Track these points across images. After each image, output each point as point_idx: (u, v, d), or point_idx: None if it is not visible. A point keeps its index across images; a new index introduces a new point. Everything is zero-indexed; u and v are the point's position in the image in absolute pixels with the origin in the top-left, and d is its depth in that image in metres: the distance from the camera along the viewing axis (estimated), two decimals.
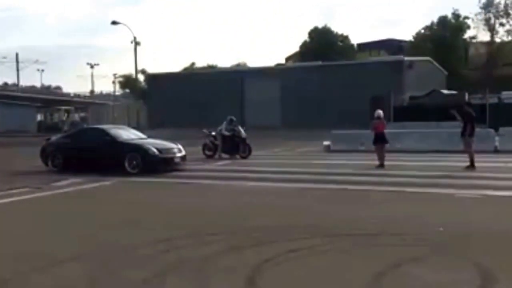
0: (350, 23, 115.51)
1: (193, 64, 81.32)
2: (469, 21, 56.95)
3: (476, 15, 55.93)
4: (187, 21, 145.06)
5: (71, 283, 5.44)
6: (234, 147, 19.70)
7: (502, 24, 55.49)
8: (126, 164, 15.16)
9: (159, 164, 15.42)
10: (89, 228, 8.05)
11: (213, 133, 20.30)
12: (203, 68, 73.51)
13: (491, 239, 6.76)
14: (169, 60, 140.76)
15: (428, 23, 59.35)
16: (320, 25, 63.92)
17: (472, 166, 14.53)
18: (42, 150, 17.07)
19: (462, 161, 16.75)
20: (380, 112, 16.32)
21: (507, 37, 55.47)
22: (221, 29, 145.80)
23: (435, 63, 48.08)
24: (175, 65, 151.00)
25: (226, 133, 19.89)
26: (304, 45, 63.49)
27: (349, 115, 35.92)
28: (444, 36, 55.30)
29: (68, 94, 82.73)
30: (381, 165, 15.55)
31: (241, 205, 9.99)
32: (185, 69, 74.39)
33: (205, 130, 20.91)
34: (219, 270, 5.70)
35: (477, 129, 23.67)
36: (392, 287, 5.15)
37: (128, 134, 17.08)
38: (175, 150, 16.05)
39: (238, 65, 77.02)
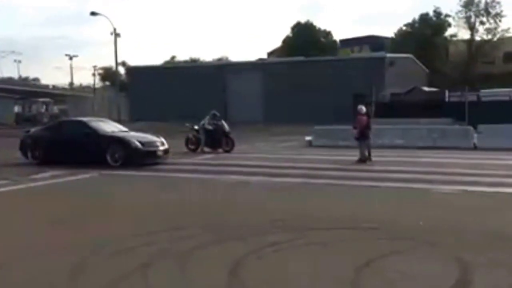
0: (333, 19, 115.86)
1: (174, 57, 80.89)
2: (450, 19, 57.57)
3: (456, 13, 56.62)
4: (169, 13, 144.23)
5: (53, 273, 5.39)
6: (217, 141, 19.73)
7: (482, 23, 56.19)
8: (108, 157, 15.07)
9: (142, 157, 15.31)
10: (60, 221, 8.00)
11: (196, 127, 20.28)
12: (185, 61, 73.14)
13: (470, 233, 6.85)
14: (150, 53, 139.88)
15: (410, 20, 59.93)
16: (303, 21, 64.09)
17: (365, 161, 15.52)
18: (21, 142, 16.84)
19: (441, 157, 17.00)
20: (362, 107, 16.43)
21: (487, 35, 56.19)
22: (203, 22, 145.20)
23: (416, 60, 48.49)
24: (156, 58, 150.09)
25: (209, 127, 19.88)
26: (286, 40, 63.52)
27: (331, 110, 36.08)
28: (426, 33, 55.78)
29: (46, 86, 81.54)
30: (363, 160, 15.66)
31: (221, 199, 9.99)
32: (167, 62, 73.93)
33: (188, 124, 20.95)
34: (201, 263, 5.70)
35: (456, 126, 24.24)
36: (372, 279, 5.20)
37: (109, 126, 16.93)
38: (158, 143, 15.96)
39: (220, 59, 76.79)
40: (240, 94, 44.39)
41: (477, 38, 56.61)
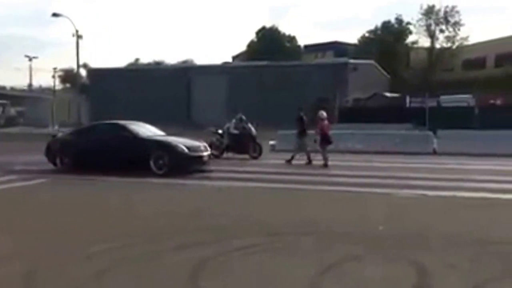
0: (297, 25, 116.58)
1: (137, 59, 79.92)
2: (411, 27, 58.72)
3: (417, 21, 57.70)
4: (133, 15, 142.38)
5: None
6: (243, 146, 18.41)
7: (442, 31, 57.45)
8: (152, 164, 13.66)
9: (189, 163, 14.07)
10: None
11: (220, 131, 19.01)
12: (149, 64, 72.35)
13: (429, 237, 6.90)
14: (113, 55, 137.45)
15: (372, 27, 60.86)
16: (268, 25, 64.31)
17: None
18: (48, 147, 15.48)
19: (402, 162, 17.20)
20: (323, 112, 16.52)
21: (447, 43, 57.48)
22: (168, 25, 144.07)
23: (378, 66, 49.24)
24: (119, 61, 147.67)
25: (235, 131, 18.66)
26: (251, 45, 63.64)
27: (295, 115, 36.14)
28: (388, 40, 56.75)
29: (3, 87, 79.21)
30: (325, 165, 15.73)
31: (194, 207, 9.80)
32: (130, 64, 72.99)
33: (211, 128, 19.59)
34: (163, 267, 5.61)
35: (417, 132, 24.68)
36: (333, 283, 5.18)
37: (146, 129, 15.33)
38: (202, 148, 14.65)
39: (185, 61, 76.28)
40: (205, 97, 44.16)
41: (437, 45, 57.88)
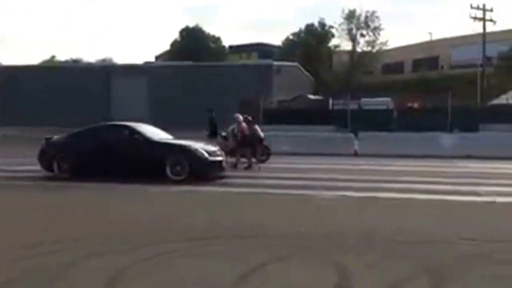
0: (222, 25, 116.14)
1: (54, 57, 76.37)
2: (333, 30, 59.92)
3: (339, 25, 58.98)
4: (49, 12, 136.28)
5: None
6: (251, 149, 16.88)
7: (362, 35, 59.04)
8: (168, 170, 12.56)
9: (209, 169, 13.02)
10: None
11: (224, 134, 17.70)
12: (66, 62, 69.30)
13: (349, 237, 6.95)
14: (27, 52, 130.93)
15: (296, 29, 61.57)
16: (191, 25, 63.45)
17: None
18: (41, 152, 13.97)
19: (324, 163, 17.26)
20: (239, 115, 16.43)
21: (367, 47, 59.13)
22: (86, 22, 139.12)
23: (302, 68, 49.82)
24: (34, 58, 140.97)
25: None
26: (175, 44, 62.51)
27: (218, 117, 35.73)
28: (311, 43, 57.60)
29: None
30: (249, 167, 15.53)
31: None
32: (45, 62, 69.63)
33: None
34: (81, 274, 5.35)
35: (339, 134, 25.03)
36: (255, 286, 5.11)
37: (156, 132, 14.14)
38: (218, 152, 13.67)
39: (104, 60, 73.72)
40: (125, 98, 42.72)
41: (358, 49, 59.43)
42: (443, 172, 14.92)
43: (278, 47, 63.04)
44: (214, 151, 13.38)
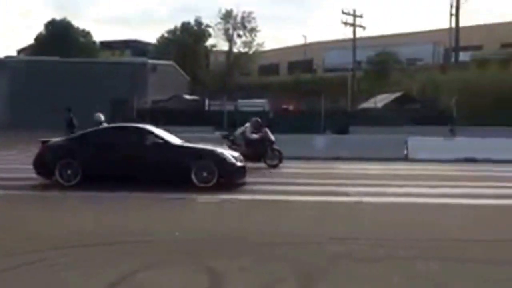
0: (91, 18, 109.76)
1: None
2: (210, 30, 59.39)
3: (216, 24, 58.62)
4: None
5: None
6: (261, 153, 16.27)
7: (239, 36, 59.23)
8: (193, 176, 11.56)
9: (237, 175, 12.24)
10: None
11: (231, 137, 16.76)
12: None
13: (224, 241, 6.96)
14: None
15: (172, 27, 60.10)
16: (58, 17, 59.32)
17: None
18: (39, 157, 12.38)
19: None
20: (100, 114, 16.01)
21: (244, 48, 59.39)
22: None
23: (178, 67, 48.63)
24: None
25: (255, 136, 16.45)
26: (40, 38, 58.01)
27: (87, 117, 33.38)
28: (187, 42, 56.52)
29: None
30: None
31: None
32: None
33: (219, 133, 17.31)
34: None
35: (216, 134, 24.30)
36: None
37: (169, 135, 12.95)
38: (241, 158, 12.78)
39: None
40: None
41: (235, 50, 59.52)
42: (316, 174, 14.99)
43: (153, 44, 61.24)
44: (238, 156, 12.74)
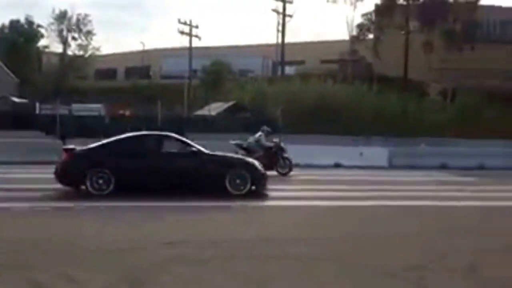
0: None
1: None
2: (42, 30, 56.76)
3: (49, 25, 56.21)
4: None
5: None
6: (274, 161, 16.67)
7: (74, 38, 57.48)
8: (227, 184, 11.94)
9: (265, 183, 12.79)
10: None
11: (244, 145, 17.15)
12: None
13: (53, 249, 6.84)
14: None
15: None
16: None
17: None
18: (66, 165, 12.07)
19: (34, 172, 16.36)
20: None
21: (79, 51, 57.75)
22: None
23: (4, 67, 45.76)
24: None
25: (270, 144, 17.13)
26: None
27: None
28: (17, 41, 53.34)
29: None
30: None
31: None
32: None
33: (233, 142, 17.32)
34: None
35: (49, 140, 23.81)
36: None
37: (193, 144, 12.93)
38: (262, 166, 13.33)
39: None
40: None
41: (70, 52, 57.64)
42: None
43: None
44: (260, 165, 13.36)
